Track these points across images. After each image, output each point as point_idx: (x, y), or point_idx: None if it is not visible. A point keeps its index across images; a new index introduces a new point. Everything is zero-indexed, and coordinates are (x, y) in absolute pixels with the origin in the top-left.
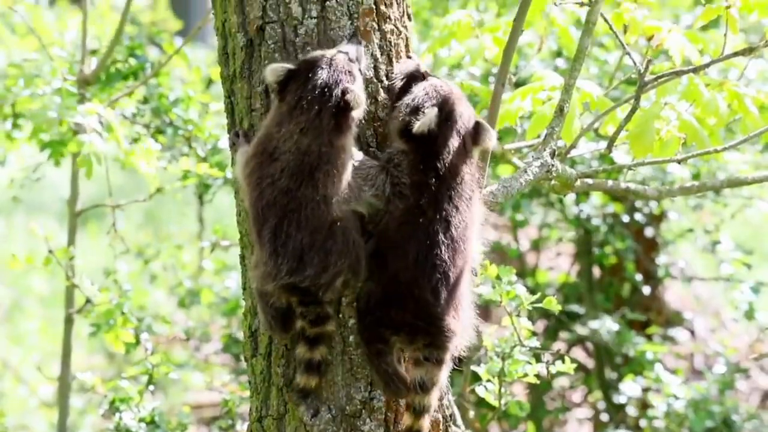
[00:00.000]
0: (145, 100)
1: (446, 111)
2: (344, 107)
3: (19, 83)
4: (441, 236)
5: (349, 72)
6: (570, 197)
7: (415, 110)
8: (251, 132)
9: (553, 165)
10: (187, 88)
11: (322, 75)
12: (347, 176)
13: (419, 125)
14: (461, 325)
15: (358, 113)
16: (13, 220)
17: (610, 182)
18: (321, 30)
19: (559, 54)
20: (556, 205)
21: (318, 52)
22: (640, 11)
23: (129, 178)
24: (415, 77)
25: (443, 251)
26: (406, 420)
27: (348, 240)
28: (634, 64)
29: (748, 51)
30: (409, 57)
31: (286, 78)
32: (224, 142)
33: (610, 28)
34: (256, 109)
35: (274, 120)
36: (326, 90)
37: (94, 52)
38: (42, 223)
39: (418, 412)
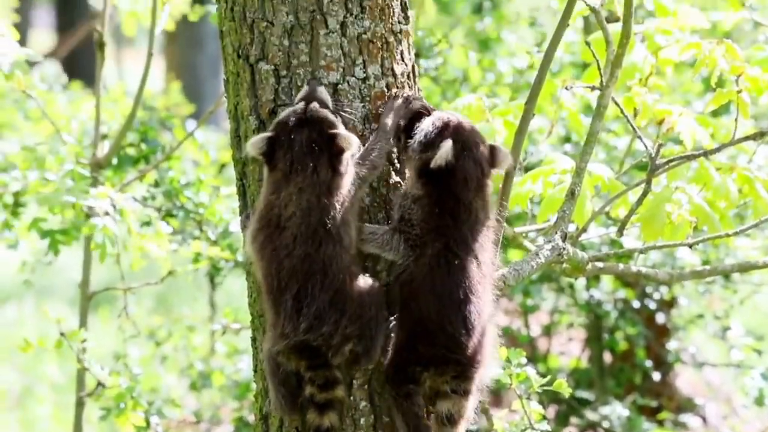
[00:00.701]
0: (157, 184)
1: (461, 141)
2: (338, 153)
3: (31, 166)
4: (472, 271)
5: (325, 118)
6: (580, 282)
7: (429, 146)
8: None
9: (564, 248)
10: (198, 172)
11: (304, 133)
12: (354, 214)
13: (436, 160)
14: (487, 356)
15: (351, 152)
16: (24, 304)
17: (621, 266)
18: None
19: (568, 139)
20: (566, 290)
21: (287, 112)
22: (650, 95)
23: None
24: (420, 114)
25: (473, 284)
26: None
27: (364, 308)
28: (645, 147)
29: (759, 135)
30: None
31: (269, 147)
32: (235, 225)
33: (621, 111)
34: None
35: (270, 188)
36: (314, 145)
37: (105, 137)
38: (53, 307)
39: None
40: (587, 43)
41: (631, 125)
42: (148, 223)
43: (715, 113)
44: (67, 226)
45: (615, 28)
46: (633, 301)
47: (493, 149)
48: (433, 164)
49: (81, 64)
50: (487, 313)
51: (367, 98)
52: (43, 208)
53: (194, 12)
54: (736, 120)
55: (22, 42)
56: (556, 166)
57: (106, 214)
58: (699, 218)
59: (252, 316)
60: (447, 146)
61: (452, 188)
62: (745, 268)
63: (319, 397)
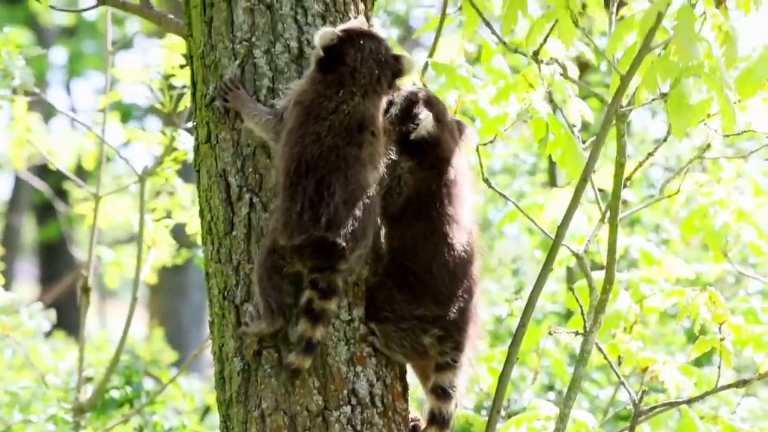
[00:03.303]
0: (140, 429)
1: (435, 112)
2: (397, 73)
3: (14, 410)
4: (458, 236)
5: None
6: None
7: (409, 118)
8: None
9: None
10: (182, 417)
11: (374, 42)
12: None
13: (419, 130)
14: (476, 331)
15: (410, 77)
16: None
17: None
18: None
19: (551, 388)
20: None
21: (350, 25)
22: (634, 343)
23: None
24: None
25: (462, 255)
26: None
27: (374, 218)
28: (629, 393)
29: (742, 383)
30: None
31: (337, 44)
32: None
33: (605, 358)
34: None
35: (323, 84)
36: (381, 56)
37: (90, 379)
38: None
39: (442, 421)
40: (571, 289)
41: (615, 372)
42: None
43: (699, 363)
44: None
45: (599, 276)
46: None
47: (459, 123)
48: (415, 135)
49: (64, 315)
50: (476, 279)
51: (352, 340)
52: None
53: (180, 256)
54: (719, 367)
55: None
56: (540, 413)
57: None
58: None
59: (211, 301)
60: (429, 117)
61: (434, 159)
62: None
63: (317, 304)
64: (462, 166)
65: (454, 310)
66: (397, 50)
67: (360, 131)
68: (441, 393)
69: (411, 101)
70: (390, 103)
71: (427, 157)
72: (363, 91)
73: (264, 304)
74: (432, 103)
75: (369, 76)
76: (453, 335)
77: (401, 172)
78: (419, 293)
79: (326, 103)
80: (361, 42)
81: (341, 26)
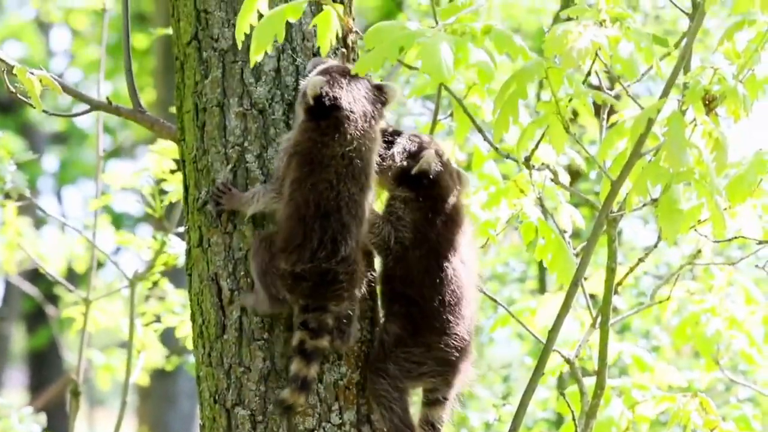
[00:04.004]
0: None
1: (436, 152)
2: (384, 103)
3: None
4: (459, 274)
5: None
6: None
7: (410, 156)
8: None
9: None
10: None
11: (359, 81)
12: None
13: (421, 164)
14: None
15: (396, 101)
16: None
17: None
18: None
19: None
20: None
21: (330, 66)
22: None
23: None
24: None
25: (462, 287)
26: None
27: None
28: None
29: None
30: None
31: (327, 90)
32: None
33: None
34: None
35: (317, 132)
36: (368, 92)
37: None
38: None
39: None
40: (562, 394)
41: None
42: None
43: None
44: None
45: (590, 382)
46: None
47: (459, 171)
48: (416, 169)
49: (54, 420)
50: (473, 314)
51: None
52: None
53: (170, 362)
54: None
55: None
56: None
57: None
58: None
59: (202, 405)
60: (431, 153)
61: (434, 194)
62: None
63: (309, 344)
64: (461, 206)
65: (450, 344)
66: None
67: (365, 175)
68: (430, 428)
69: (417, 144)
70: (390, 142)
71: (427, 192)
72: (360, 132)
73: (265, 292)
74: (434, 144)
75: (363, 115)
76: (447, 372)
77: (400, 205)
78: (420, 324)
79: (325, 150)
80: (348, 83)
81: (320, 67)
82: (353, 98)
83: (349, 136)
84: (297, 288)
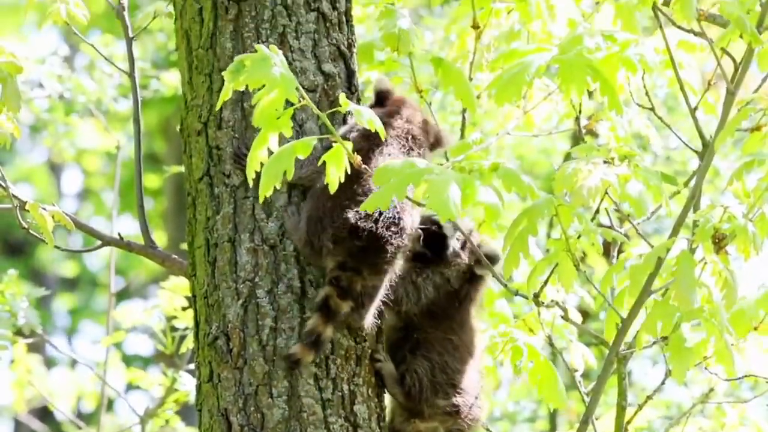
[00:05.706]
0: None
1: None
2: (439, 141)
3: None
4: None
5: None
6: None
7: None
8: None
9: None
10: None
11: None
12: None
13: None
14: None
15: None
16: None
17: None
18: None
19: None
20: None
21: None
22: None
23: None
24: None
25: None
26: None
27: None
28: None
29: None
30: None
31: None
32: None
33: None
34: None
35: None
36: (424, 126)
37: None
38: None
39: None
40: None
41: None
42: None
43: None
44: None
45: None
46: None
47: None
48: (479, 270)
49: None
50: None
51: None
52: None
53: None
54: None
55: None
56: None
57: None
58: None
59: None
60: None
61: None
62: None
63: (333, 301)
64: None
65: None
66: None
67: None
68: None
69: (462, 243)
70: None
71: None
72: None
73: (306, 236)
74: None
75: (417, 146)
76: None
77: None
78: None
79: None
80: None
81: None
82: (412, 112)
83: (405, 118)
84: (346, 243)
